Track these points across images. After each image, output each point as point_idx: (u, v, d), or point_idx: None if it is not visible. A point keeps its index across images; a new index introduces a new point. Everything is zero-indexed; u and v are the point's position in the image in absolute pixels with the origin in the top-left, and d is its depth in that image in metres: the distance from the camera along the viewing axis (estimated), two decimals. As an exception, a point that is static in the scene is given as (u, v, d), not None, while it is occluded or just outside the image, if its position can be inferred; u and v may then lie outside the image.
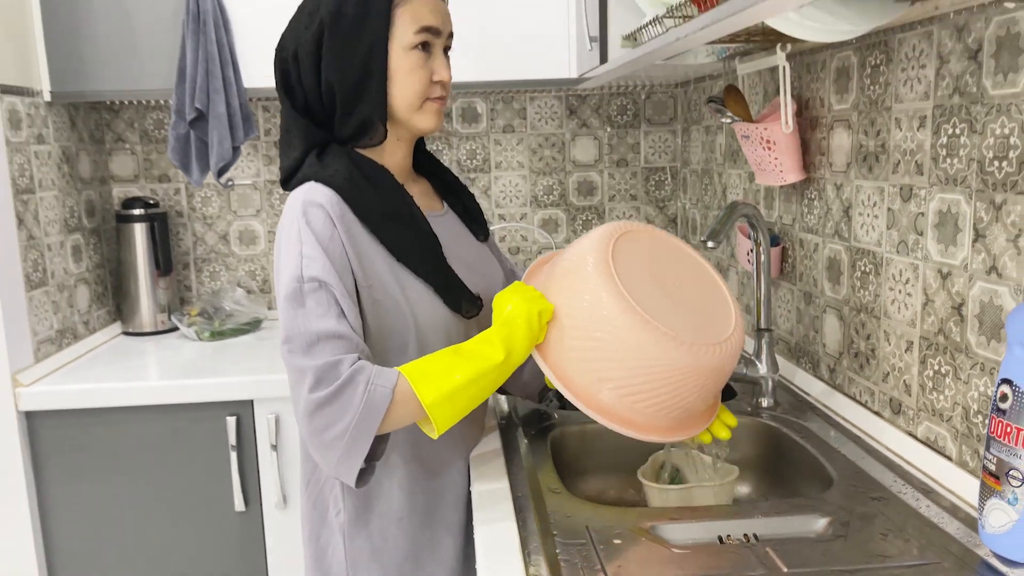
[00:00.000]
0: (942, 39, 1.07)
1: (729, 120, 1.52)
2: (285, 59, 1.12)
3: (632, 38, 1.47)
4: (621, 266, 1.05)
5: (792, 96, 1.44)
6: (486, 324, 1.17)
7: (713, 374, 1.04)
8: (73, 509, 1.75)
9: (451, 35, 1.15)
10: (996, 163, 0.98)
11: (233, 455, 1.75)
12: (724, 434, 1.16)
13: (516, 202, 2.34)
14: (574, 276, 1.06)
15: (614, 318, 1.00)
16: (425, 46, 1.10)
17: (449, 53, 1.16)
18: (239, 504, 1.77)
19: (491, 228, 2.32)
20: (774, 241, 1.60)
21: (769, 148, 1.47)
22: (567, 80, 1.95)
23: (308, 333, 0.99)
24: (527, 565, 0.92)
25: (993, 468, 0.89)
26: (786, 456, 1.31)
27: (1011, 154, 0.95)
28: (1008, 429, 0.87)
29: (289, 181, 1.13)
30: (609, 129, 2.33)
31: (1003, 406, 0.88)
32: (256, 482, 1.78)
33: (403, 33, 1.09)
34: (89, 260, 2.08)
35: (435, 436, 1.00)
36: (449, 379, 0.98)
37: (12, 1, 1.79)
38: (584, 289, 1.04)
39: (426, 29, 1.09)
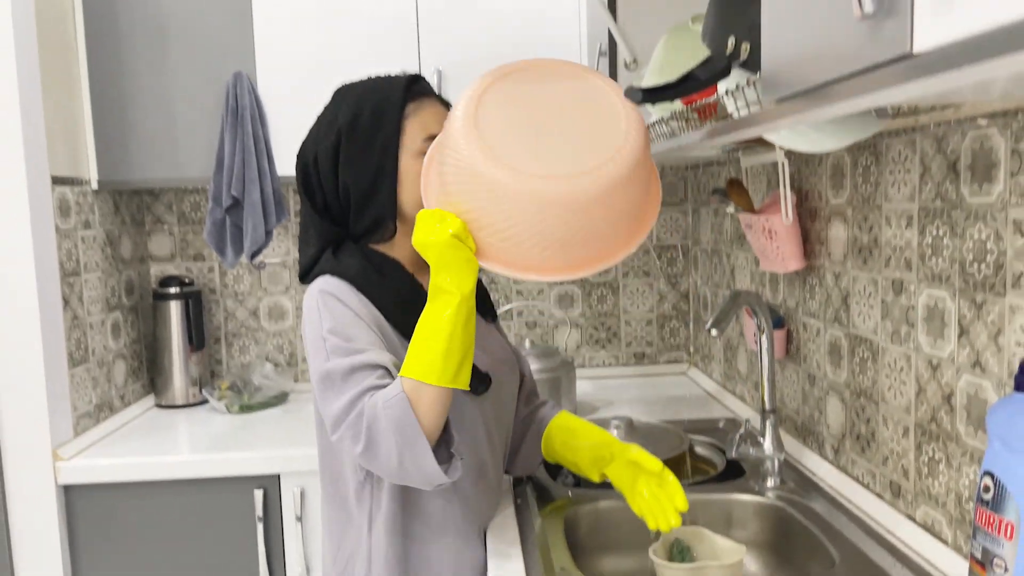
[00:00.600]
0: (924, 148, 1.16)
1: (732, 210, 1.61)
2: (306, 164, 1.23)
3: (641, 132, 1.58)
4: (489, 119, 1.03)
5: (792, 189, 1.53)
6: (497, 400, 1.25)
7: (601, 199, 1.01)
8: (105, 580, 1.82)
9: None
10: (976, 265, 1.05)
11: (260, 527, 1.81)
12: (676, 521, 1.18)
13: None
14: (455, 155, 1.04)
15: (481, 172, 1.00)
16: None
17: None
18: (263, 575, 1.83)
19: (510, 305, 2.41)
20: (779, 323, 1.67)
21: (771, 237, 1.55)
22: (581, 167, 2.05)
23: (335, 408, 1.08)
24: (540, 645, 0.97)
25: (979, 556, 0.95)
26: (792, 536, 1.36)
27: (988, 257, 1.03)
28: (991, 519, 0.93)
29: (307, 276, 1.23)
30: (622, 209, 2.43)
31: (986, 497, 0.94)
32: (281, 553, 1.84)
33: (412, 141, 1.20)
34: (127, 336, 2.18)
35: (467, 388, 1.08)
36: (433, 351, 1.03)
37: (66, 97, 1.94)
38: (463, 165, 1.02)
39: (432, 137, 1.20)
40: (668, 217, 2.44)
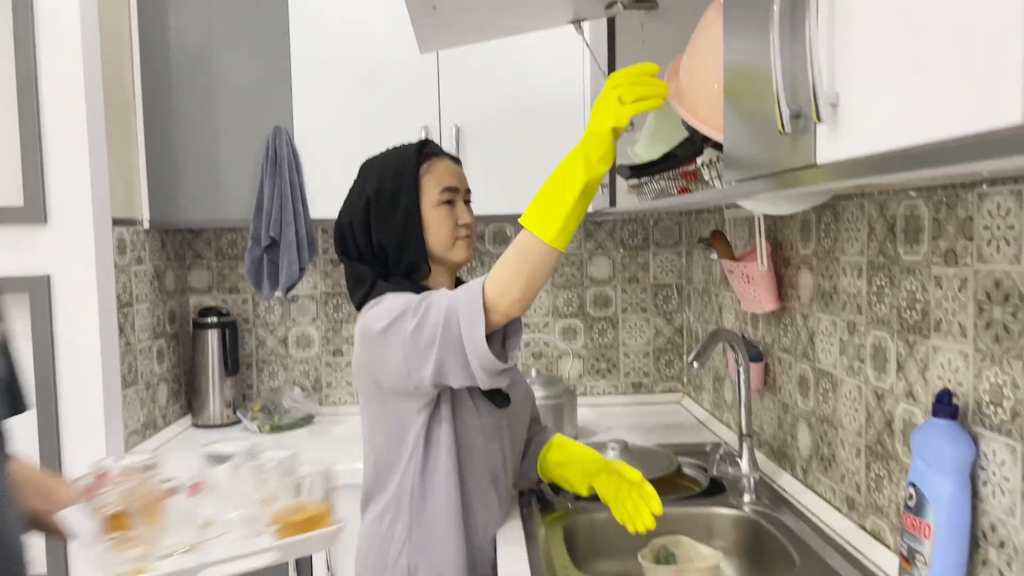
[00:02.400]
0: (871, 211, 1.37)
1: (715, 258, 1.83)
2: (343, 229, 1.46)
3: (638, 187, 1.80)
4: None
5: (767, 239, 1.74)
6: (515, 420, 1.46)
7: None
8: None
9: (468, 191, 1.49)
10: (908, 311, 1.26)
11: (290, 536, 2.01)
12: (651, 523, 1.36)
13: (540, 312, 2.64)
14: None
15: None
16: (449, 201, 1.43)
17: (470, 201, 1.49)
18: (293, 580, 2.02)
19: (517, 336, 2.62)
20: (758, 357, 1.87)
21: (748, 282, 1.76)
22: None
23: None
24: (541, 624, 1.17)
25: (906, 553, 1.15)
26: (763, 544, 1.55)
27: (917, 305, 1.23)
28: (914, 522, 1.13)
29: (364, 303, 1.42)
30: (622, 250, 2.65)
31: (911, 504, 1.14)
32: (308, 569, 2.04)
33: (430, 195, 1.43)
34: (169, 361, 2.40)
35: (563, 249, 1.23)
36: (554, 210, 1.21)
37: (124, 147, 2.17)
38: None
39: (448, 189, 1.43)
40: (664, 258, 2.66)
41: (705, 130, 1.15)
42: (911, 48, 0.62)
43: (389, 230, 1.41)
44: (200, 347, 2.45)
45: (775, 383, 1.82)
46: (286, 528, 0.99)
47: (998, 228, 1.05)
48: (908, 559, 1.14)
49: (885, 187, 1.31)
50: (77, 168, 1.92)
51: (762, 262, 1.71)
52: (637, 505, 1.38)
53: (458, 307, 1.24)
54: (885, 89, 0.66)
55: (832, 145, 0.76)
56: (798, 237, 1.68)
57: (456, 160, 1.51)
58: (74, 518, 1.04)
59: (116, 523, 0.95)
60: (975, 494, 1.10)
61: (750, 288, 1.77)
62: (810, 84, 0.75)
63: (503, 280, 1.22)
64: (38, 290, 1.91)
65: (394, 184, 1.42)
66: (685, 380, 2.68)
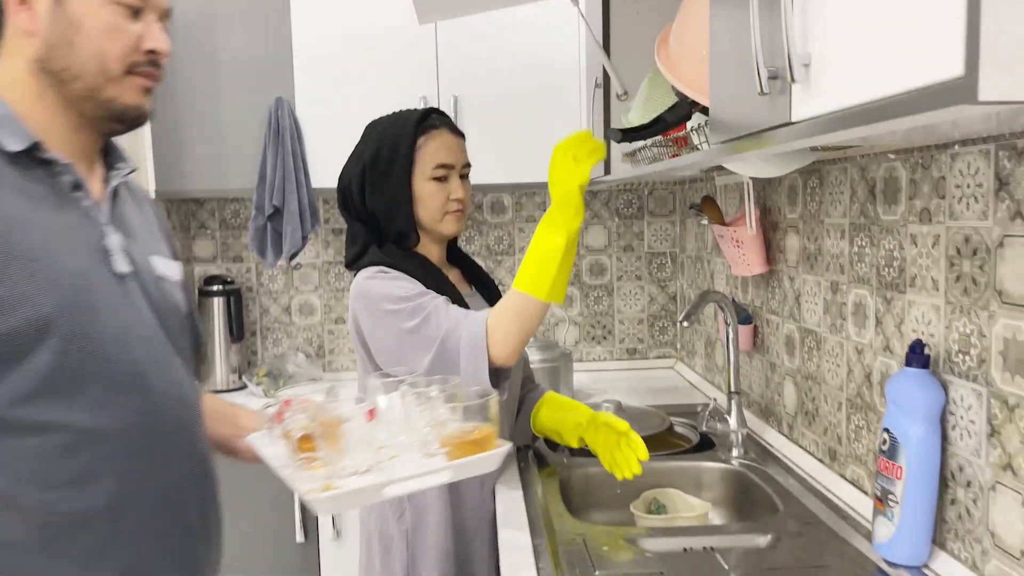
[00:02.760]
0: (852, 175, 1.43)
1: (706, 223, 1.88)
2: (344, 187, 1.52)
3: (632, 155, 1.85)
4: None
5: (756, 205, 1.80)
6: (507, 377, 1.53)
7: None
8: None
9: (467, 165, 1.53)
10: (887, 269, 1.32)
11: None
12: (637, 469, 1.42)
13: (537, 281, 2.70)
14: None
15: None
16: (443, 176, 1.48)
17: (468, 175, 1.54)
18: (299, 536, 2.10)
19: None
20: (747, 320, 1.94)
21: (738, 246, 1.82)
22: (579, 182, 2.33)
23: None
24: (537, 565, 1.24)
25: (879, 494, 1.22)
26: (749, 495, 1.63)
27: (894, 263, 1.30)
28: (887, 465, 1.20)
29: (354, 263, 1.50)
30: (617, 219, 2.70)
31: (884, 448, 1.21)
32: (315, 517, 2.12)
33: (423, 168, 1.48)
34: (176, 328, 2.46)
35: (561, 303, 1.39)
36: (543, 272, 1.32)
37: (130, 120, 2.22)
38: None
39: (441, 165, 1.48)
40: (658, 227, 2.71)
41: (692, 94, 1.21)
42: (871, 11, 0.68)
43: (380, 198, 1.47)
44: (206, 315, 2.52)
45: (763, 344, 1.89)
46: (456, 450, 1.04)
47: (968, 187, 1.11)
48: (882, 500, 1.21)
49: (866, 150, 1.37)
50: (85, 138, 1.97)
51: (751, 226, 1.77)
52: (625, 453, 1.44)
53: (459, 337, 1.34)
54: (849, 50, 0.72)
55: (805, 103, 0.82)
56: (785, 202, 1.74)
57: (458, 133, 1.55)
58: (260, 442, 1.14)
59: (302, 446, 1.03)
60: (945, 438, 1.17)
61: (739, 252, 1.83)
62: (785, 47, 0.80)
63: (503, 333, 1.34)
64: (50, 257, 1.97)
65: (390, 153, 1.47)
66: (678, 346, 2.75)
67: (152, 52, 0.98)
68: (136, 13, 0.96)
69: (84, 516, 0.92)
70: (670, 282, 2.74)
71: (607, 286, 2.73)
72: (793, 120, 0.85)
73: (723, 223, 1.89)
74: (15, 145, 0.93)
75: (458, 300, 1.47)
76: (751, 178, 1.76)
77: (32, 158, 0.94)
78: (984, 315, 1.08)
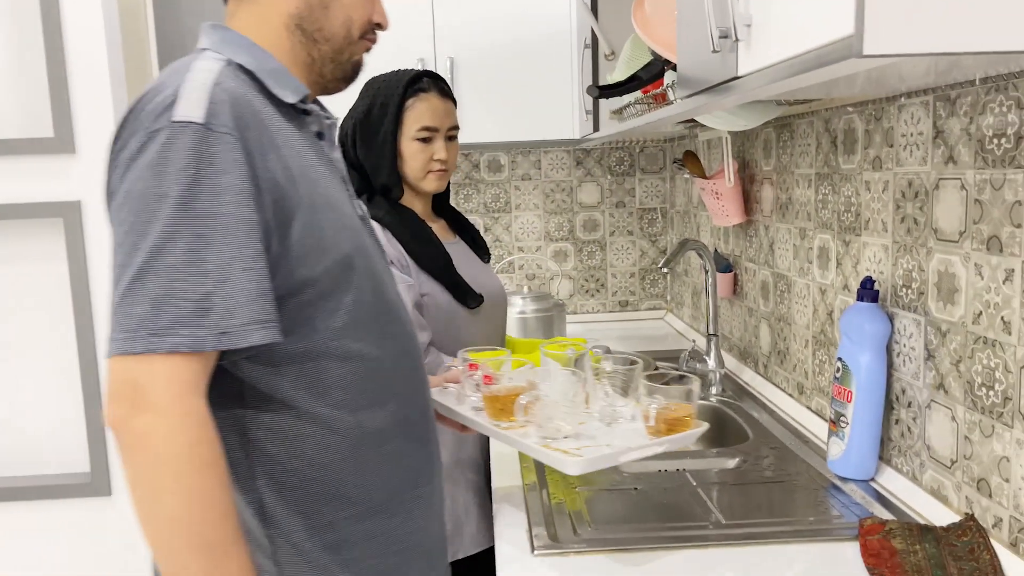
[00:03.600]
0: (818, 127, 1.54)
1: (688, 177, 1.99)
2: (342, 137, 1.64)
3: (619, 112, 1.96)
4: None
5: (735, 158, 1.91)
6: (489, 320, 1.64)
7: None
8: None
9: (453, 127, 1.63)
10: (846, 215, 1.44)
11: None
12: None
13: (532, 237, 2.82)
14: None
15: None
16: (427, 137, 1.59)
17: (455, 137, 1.64)
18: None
19: (512, 258, 2.80)
20: (728, 268, 2.06)
21: (718, 198, 1.93)
22: (571, 140, 2.44)
23: None
24: (523, 474, 1.38)
25: (833, 417, 1.35)
26: (723, 427, 1.76)
27: (852, 208, 1.41)
28: (840, 390, 1.32)
29: None
30: (609, 177, 2.81)
31: (838, 376, 1.33)
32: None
33: (408, 129, 1.59)
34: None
35: None
36: None
37: (140, 80, 2.32)
38: None
39: (425, 128, 1.58)
40: (649, 183, 2.82)
41: (665, 53, 1.31)
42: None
43: (368, 152, 1.59)
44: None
45: (743, 291, 2.01)
46: (659, 426, 1.13)
47: (912, 135, 1.22)
48: (835, 422, 1.34)
49: (828, 104, 1.47)
50: (100, 102, 2.08)
51: (729, 179, 1.88)
52: None
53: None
54: (779, 11, 0.83)
55: (748, 59, 0.93)
56: (761, 155, 1.85)
57: (448, 97, 1.65)
58: (444, 398, 1.25)
59: (503, 407, 1.16)
60: (891, 364, 1.29)
61: (719, 204, 1.94)
62: (730, 10, 0.91)
63: None
64: (71, 214, 2.09)
65: (380, 112, 1.58)
66: (668, 297, 2.87)
67: (378, 24, 1.06)
68: None
69: (382, 433, 1.00)
70: (660, 236, 2.85)
71: (600, 241, 2.84)
72: (739, 74, 0.96)
73: (704, 176, 2.00)
74: (291, 97, 0.96)
75: (439, 249, 1.58)
76: (729, 133, 1.86)
77: (294, 108, 0.98)
78: (923, 252, 1.19)
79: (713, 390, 1.86)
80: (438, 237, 1.60)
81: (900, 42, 0.65)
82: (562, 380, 1.18)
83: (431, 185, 1.62)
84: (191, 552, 0.80)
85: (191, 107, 0.84)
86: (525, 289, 2.46)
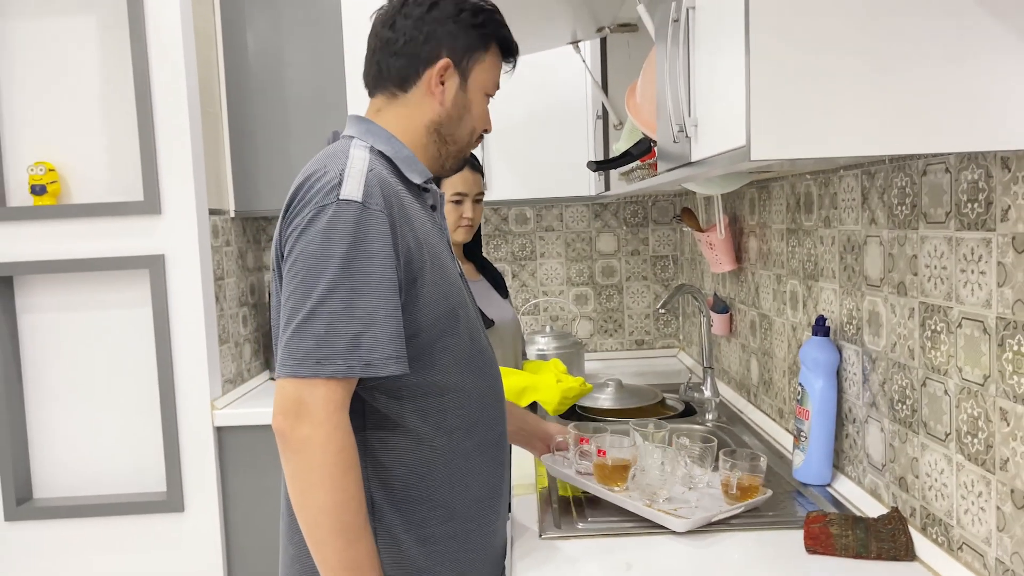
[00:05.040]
0: (787, 190, 1.82)
1: (686, 230, 2.28)
2: None
3: (627, 175, 2.26)
4: None
5: (725, 213, 2.20)
6: (499, 339, 1.97)
7: None
8: (248, 498, 2.54)
9: (480, 192, 2.00)
10: (807, 264, 1.71)
11: (354, 459, 2.52)
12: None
13: (556, 281, 3.12)
14: None
15: None
16: (458, 200, 1.96)
17: (481, 200, 2.02)
18: (357, 495, 2.54)
19: (536, 300, 3.10)
20: (724, 310, 2.33)
21: (711, 248, 2.22)
22: (588, 196, 2.75)
23: None
24: (537, 481, 1.65)
25: (795, 432, 1.61)
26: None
27: (811, 258, 1.69)
28: (800, 410, 1.59)
29: None
30: (625, 228, 3.11)
31: (798, 398, 1.60)
32: (369, 479, 2.55)
33: (445, 193, 1.92)
34: (251, 325, 2.93)
35: None
36: None
37: (214, 149, 2.70)
38: None
39: (457, 193, 1.96)
40: (661, 233, 3.11)
41: (651, 134, 1.61)
42: (713, 97, 1.09)
43: None
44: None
45: (737, 329, 2.28)
46: (736, 492, 1.43)
47: (847, 200, 1.50)
48: (796, 436, 1.60)
49: (792, 171, 1.76)
50: (183, 169, 2.45)
51: (721, 232, 2.16)
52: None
53: None
54: (709, 120, 1.13)
55: (697, 148, 1.22)
56: (747, 211, 2.13)
57: (475, 168, 2.01)
58: (556, 462, 1.55)
59: (608, 474, 1.47)
60: (840, 389, 1.55)
61: (714, 253, 2.22)
62: (683, 113, 1.22)
63: None
64: (156, 267, 2.44)
65: None
66: (680, 337, 3.14)
67: (485, 130, 1.33)
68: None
69: (469, 452, 1.22)
70: (672, 281, 3.13)
71: (617, 285, 3.13)
72: (692, 160, 1.25)
73: (700, 229, 2.28)
74: (417, 179, 1.24)
75: (464, 284, 1.90)
76: (722, 193, 2.15)
77: (416, 186, 1.24)
78: (858, 294, 1.47)
79: (709, 416, 2.12)
80: (463, 274, 1.94)
81: (778, 150, 0.95)
82: (655, 454, 1.48)
83: (460, 237, 1.99)
84: (333, 534, 1.04)
85: (353, 189, 1.08)
86: (547, 328, 2.75)
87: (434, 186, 1.29)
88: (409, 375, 1.13)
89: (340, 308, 1.04)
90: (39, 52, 2.48)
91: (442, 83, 1.24)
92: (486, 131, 1.34)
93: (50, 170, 2.45)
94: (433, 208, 1.28)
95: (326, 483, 1.04)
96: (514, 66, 1.34)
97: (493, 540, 1.31)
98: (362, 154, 1.15)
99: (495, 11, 1.29)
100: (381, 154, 1.21)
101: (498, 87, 1.32)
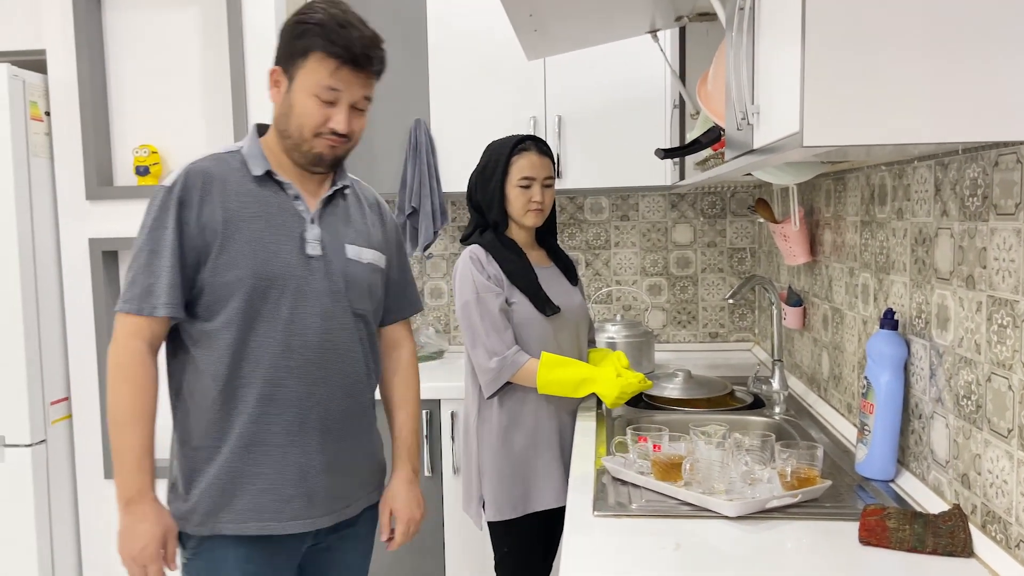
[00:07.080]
0: (862, 181, 1.79)
1: (761, 221, 2.26)
2: (469, 186, 2.08)
3: (702, 163, 2.26)
4: None
5: (800, 205, 2.17)
6: (565, 329, 2.01)
7: None
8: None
9: (549, 177, 2.05)
10: (879, 256, 1.68)
11: (425, 438, 2.61)
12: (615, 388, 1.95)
13: (630, 271, 3.13)
14: None
15: None
16: (527, 184, 2.01)
17: (551, 185, 2.06)
18: (427, 471, 2.63)
19: (609, 290, 3.12)
20: (798, 303, 2.30)
21: (786, 240, 2.19)
22: (663, 186, 2.75)
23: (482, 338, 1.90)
24: (596, 462, 1.69)
25: (859, 426, 1.59)
26: (782, 438, 2.00)
27: (884, 251, 1.66)
28: (865, 404, 1.57)
29: (466, 239, 2.08)
30: (702, 219, 3.09)
31: (864, 392, 1.58)
32: (440, 456, 2.64)
33: (513, 178, 2.02)
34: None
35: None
36: (563, 384, 1.88)
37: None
38: None
39: (525, 177, 2.01)
40: (739, 226, 3.08)
41: (719, 122, 1.62)
42: (773, 85, 1.10)
43: (483, 196, 2.05)
44: (356, 295, 3.09)
45: (810, 323, 2.25)
46: (793, 482, 1.45)
47: (923, 191, 1.47)
48: (860, 430, 1.58)
49: (868, 162, 1.73)
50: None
51: (795, 223, 2.14)
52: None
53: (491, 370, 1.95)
54: (768, 107, 1.14)
55: (759, 136, 1.23)
56: (823, 202, 2.10)
57: (545, 153, 2.06)
58: (615, 462, 1.62)
59: (667, 471, 1.52)
60: (908, 384, 1.53)
61: (788, 245, 2.20)
62: (746, 101, 1.23)
63: (529, 380, 1.97)
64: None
65: (492, 166, 2.04)
66: (756, 331, 3.10)
67: (332, 130, 1.48)
68: (331, 103, 1.46)
69: (233, 394, 1.48)
70: (749, 274, 3.09)
71: (692, 277, 3.12)
72: (755, 147, 1.26)
73: (775, 221, 2.26)
74: (257, 170, 1.50)
75: (527, 267, 2.01)
76: (796, 183, 2.12)
77: (270, 179, 1.51)
78: (928, 287, 1.44)
79: (777, 409, 2.11)
80: (531, 261, 2.00)
81: (831, 136, 0.95)
82: (712, 450, 1.51)
83: (530, 221, 2.03)
84: (111, 423, 1.44)
85: (171, 177, 1.46)
86: (617, 317, 2.77)
87: (283, 178, 1.50)
88: (195, 320, 1.46)
89: (140, 264, 1.44)
90: (146, 43, 2.65)
91: (276, 86, 1.50)
92: (333, 131, 1.48)
93: (153, 152, 2.62)
94: (297, 198, 1.51)
95: (111, 385, 1.44)
96: (357, 65, 1.47)
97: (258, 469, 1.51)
98: (212, 153, 1.52)
99: (323, 24, 1.44)
100: (239, 152, 1.52)
101: (333, 89, 1.45)
